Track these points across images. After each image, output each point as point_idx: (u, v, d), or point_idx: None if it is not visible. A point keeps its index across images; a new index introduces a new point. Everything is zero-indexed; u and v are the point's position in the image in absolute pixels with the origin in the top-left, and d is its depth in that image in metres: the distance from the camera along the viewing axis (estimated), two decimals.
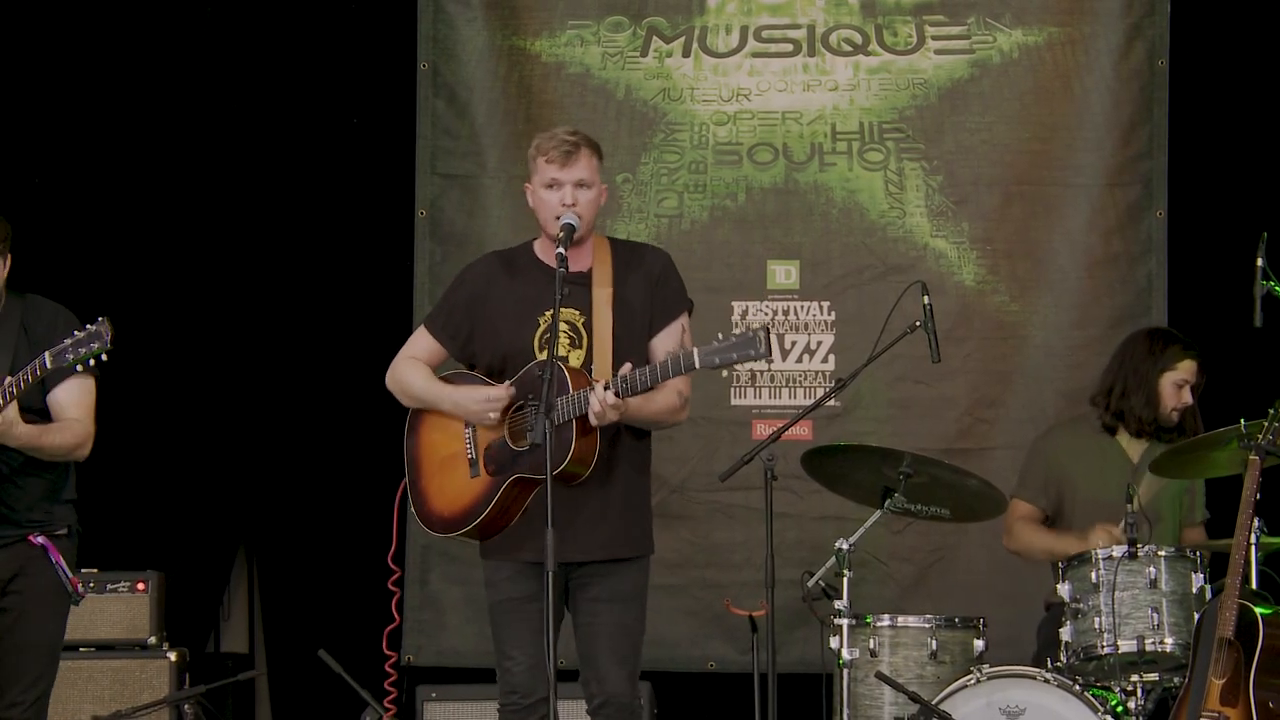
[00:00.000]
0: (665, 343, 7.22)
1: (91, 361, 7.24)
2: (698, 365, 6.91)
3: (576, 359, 7.17)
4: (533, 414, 6.97)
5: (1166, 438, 8.68)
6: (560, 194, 7.17)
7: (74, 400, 7.58)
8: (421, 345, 7.46)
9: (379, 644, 9.81)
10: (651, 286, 7.28)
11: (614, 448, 7.18)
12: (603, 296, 7.21)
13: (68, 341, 7.21)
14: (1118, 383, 8.76)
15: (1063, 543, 8.61)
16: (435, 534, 7.44)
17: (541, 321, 7.19)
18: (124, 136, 10.01)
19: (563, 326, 7.18)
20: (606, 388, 6.93)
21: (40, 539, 7.55)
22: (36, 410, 7.48)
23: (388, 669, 8.61)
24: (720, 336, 6.88)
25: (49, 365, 7.22)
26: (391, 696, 8.47)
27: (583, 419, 6.99)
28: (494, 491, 7.16)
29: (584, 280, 7.22)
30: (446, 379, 7.36)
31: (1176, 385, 8.66)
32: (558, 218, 7.13)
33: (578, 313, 7.20)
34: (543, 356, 7.05)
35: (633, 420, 7.09)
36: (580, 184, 7.18)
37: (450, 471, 7.32)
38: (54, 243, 9.79)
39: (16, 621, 7.55)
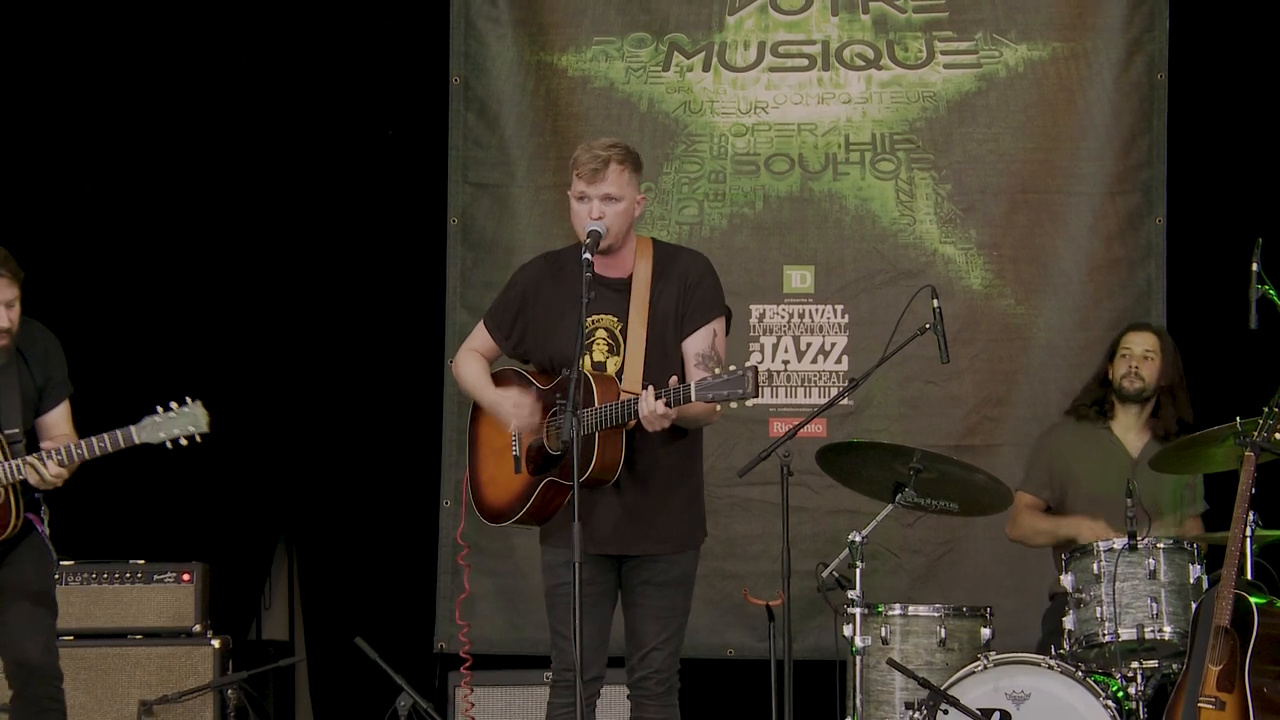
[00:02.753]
0: (696, 344, 7.18)
1: (184, 441, 7.39)
2: (693, 398, 6.89)
3: (614, 365, 7.14)
4: (568, 421, 6.86)
5: (1160, 431, 8.72)
6: (588, 207, 7.14)
7: (65, 417, 7.68)
8: (479, 339, 7.46)
9: (413, 631, 9.86)
10: (685, 291, 7.21)
11: (658, 449, 7.13)
12: (639, 304, 7.17)
13: (157, 419, 7.35)
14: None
15: (1062, 526, 8.64)
16: (488, 522, 7.42)
17: (588, 327, 7.14)
18: (181, 151, 10.03)
19: (601, 333, 7.18)
20: (659, 396, 6.88)
21: (33, 518, 7.58)
22: (26, 432, 7.55)
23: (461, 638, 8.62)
24: (715, 373, 6.84)
25: (136, 441, 7.38)
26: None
27: (614, 428, 6.99)
28: (531, 490, 7.17)
29: (623, 287, 7.19)
30: (497, 375, 7.35)
31: (1124, 355, 8.79)
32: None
33: (615, 319, 7.18)
34: (583, 361, 7.04)
35: (683, 424, 7.08)
36: (607, 198, 7.11)
37: (500, 464, 7.31)
38: (114, 248, 9.82)
39: (20, 576, 7.56)
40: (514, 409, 7.15)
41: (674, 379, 6.98)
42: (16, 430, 7.47)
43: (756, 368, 6.85)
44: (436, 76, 10.11)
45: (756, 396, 6.84)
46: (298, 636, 10.32)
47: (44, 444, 7.48)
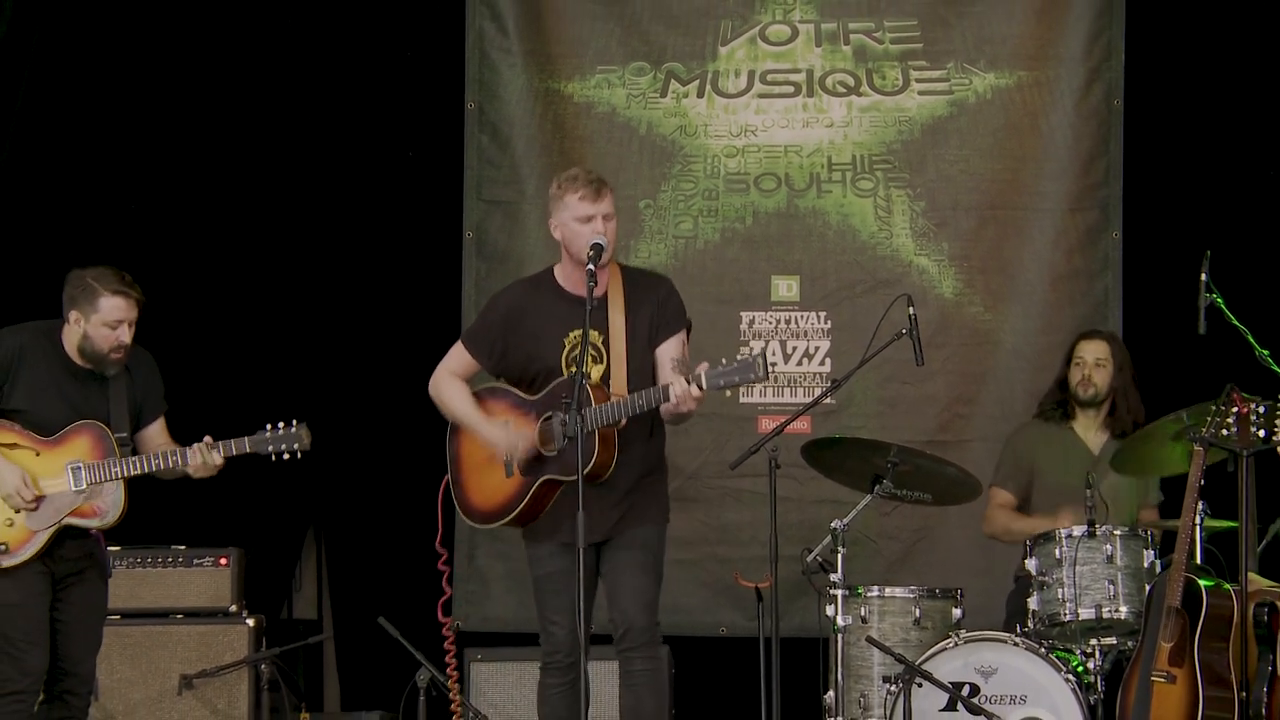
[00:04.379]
0: (669, 351, 7.26)
1: (286, 456, 7.57)
2: (705, 387, 6.96)
3: (598, 373, 7.23)
4: (559, 424, 7.01)
5: (1117, 429, 8.72)
6: (593, 225, 7.19)
7: (162, 429, 7.73)
8: (459, 360, 7.49)
9: (430, 611, 9.84)
10: (658, 307, 7.31)
11: (636, 445, 7.23)
12: (618, 319, 7.25)
13: (267, 435, 7.54)
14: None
15: (1032, 524, 8.62)
16: (475, 524, 7.50)
17: (566, 342, 7.25)
18: (228, 175, 10.05)
19: (612, 344, 7.26)
20: (689, 381, 6.96)
21: (96, 533, 7.61)
22: (128, 440, 7.61)
23: (445, 633, 8.58)
24: (724, 361, 6.95)
25: (248, 449, 7.54)
26: (451, 665, 8.45)
27: (606, 429, 7.07)
28: (526, 490, 7.23)
29: (602, 304, 7.25)
30: (479, 395, 7.40)
31: (1077, 364, 8.79)
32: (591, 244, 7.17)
33: (597, 333, 7.24)
34: (570, 371, 7.12)
35: (668, 418, 7.20)
36: (606, 216, 7.22)
37: (488, 472, 7.37)
38: (169, 264, 9.82)
39: (87, 596, 7.60)
40: (511, 449, 7.24)
41: (701, 365, 7.03)
42: (125, 434, 7.53)
43: (765, 352, 6.92)
44: (453, 102, 10.11)
45: (768, 379, 6.93)
46: (325, 616, 10.31)
47: (205, 440, 7.56)
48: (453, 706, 8.69)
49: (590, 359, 7.20)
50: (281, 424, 7.55)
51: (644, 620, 7.27)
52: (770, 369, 6.92)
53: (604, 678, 7.93)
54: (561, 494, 7.19)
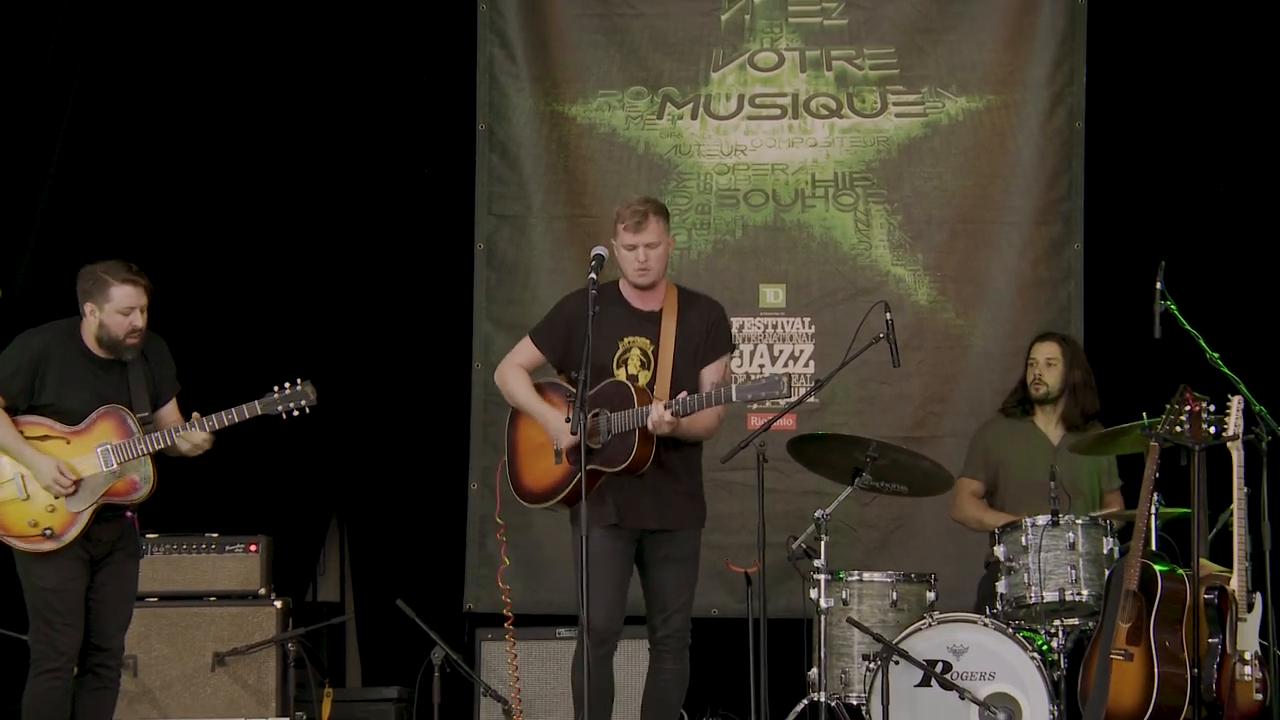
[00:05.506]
0: (711, 374, 7.40)
1: (295, 413, 7.55)
2: (734, 399, 7.20)
3: (645, 378, 7.35)
4: (604, 421, 7.22)
5: (1070, 422, 8.75)
6: (635, 254, 7.36)
7: (174, 408, 7.72)
8: (525, 354, 7.60)
9: (445, 594, 9.86)
10: (707, 330, 7.44)
11: (678, 449, 7.37)
12: (669, 332, 7.37)
13: (275, 396, 7.51)
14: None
15: (992, 516, 8.65)
16: (526, 504, 7.58)
17: (620, 345, 7.39)
18: (263, 188, 10.06)
19: (636, 351, 7.38)
20: (667, 407, 7.15)
21: (130, 514, 7.64)
22: (150, 419, 7.62)
23: (504, 599, 8.63)
24: (751, 377, 7.27)
25: (259, 411, 7.52)
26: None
27: (644, 428, 7.20)
28: (572, 477, 7.30)
29: (655, 318, 7.40)
30: (539, 387, 7.50)
31: (1031, 364, 8.82)
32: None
33: (649, 341, 7.38)
34: (619, 373, 7.33)
35: (682, 435, 7.27)
36: (649, 245, 7.34)
37: (540, 458, 7.47)
38: (207, 269, 9.84)
39: (120, 575, 7.62)
40: (560, 434, 7.33)
41: (684, 393, 7.25)
42: (147, 413, 7.56)
43: (790, 375, 7.07)
44: (465, 124, 10.10)
45: (789, 396, 7.04)
46: (347, 598, 10.30)
47: (194, 416, 7.55)
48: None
49: (639, 364, 7.36)
50: (288, 384, 7.54)
51: (684, 631, 7.46)
52: (792, 388, 7.05)
53: (631, 654, 8.00)
54: (604, 481, 7.29)
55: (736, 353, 9.86)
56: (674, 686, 7.47)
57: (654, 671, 7.49)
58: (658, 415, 7.15)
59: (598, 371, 7.27)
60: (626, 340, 7.39)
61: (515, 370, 7.56)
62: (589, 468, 7.11)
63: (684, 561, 7.46)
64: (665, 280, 7.50)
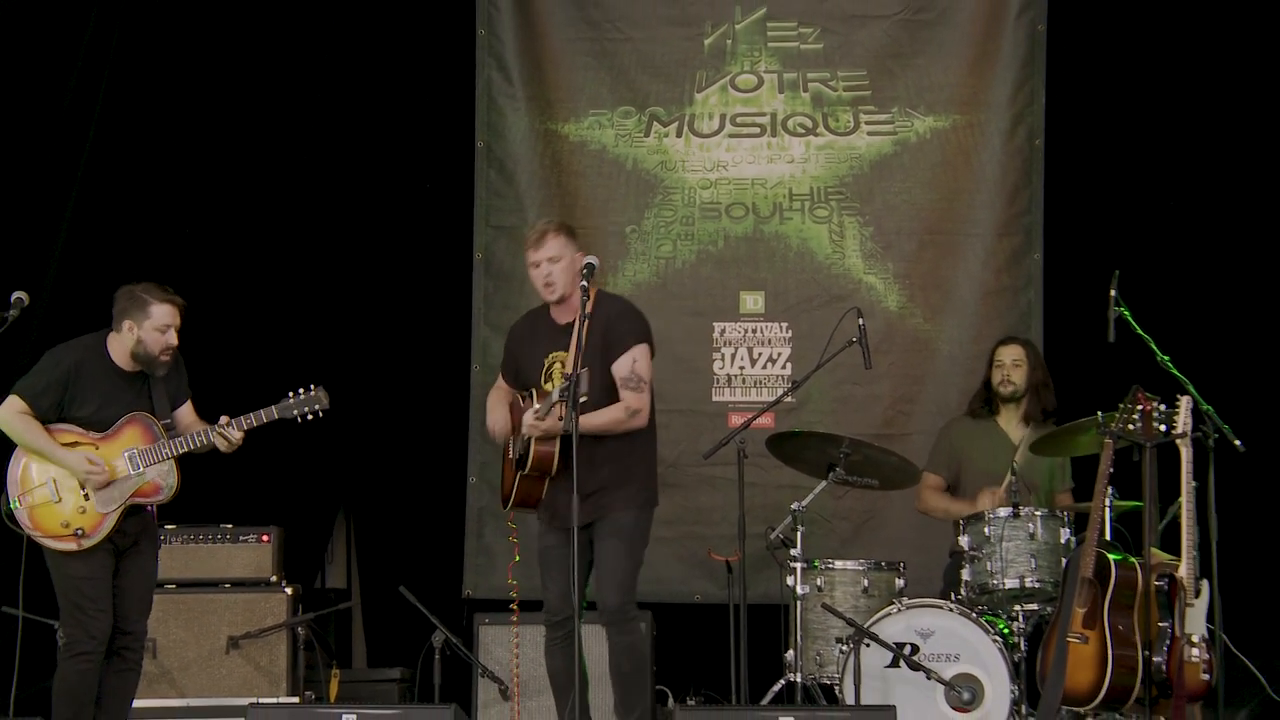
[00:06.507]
0: (619, 369, 7.37)
1: (310, 416, 7.57)
2: (275, 416, 7.48)
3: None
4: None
5: (1032, 420, 8.75)
6: (540, 271, 7.48)
7: (190, 410, 7.75)
8: (498, 382, 7.78)
9: (445, 582, 9.86)
10: (604, 330, 7.39)
11: (594, 447, 7.26)
12: (574, 341, 7.27)
13: (290, 401, 7.55)
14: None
15: (957, 507, 8.66)
16: (504, 509, 7.68)
17: (545, 362, 7.47)
18: (278, 201, 10.08)
19: (558, 365, 7.42)
20: (535, 413, 7.26)
21: (151, 509, 7.67)
22: (171, 425, 7.65)
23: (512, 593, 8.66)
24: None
25: (276, 416, 7.55)
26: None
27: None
28: (514, 482, 7.43)
29: (570, 329, 7.34)
30: (513, 405, 7.58)
31: (998, 365, 8.81)
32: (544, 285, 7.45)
33: (564, 352, 7.36)
34: (546, 387, 7.37)
35: (584, 430, 7.02)
36: (551, 259, 7.43)
37: (508, 463, 7.56)
38: (224, 279, 9.84)
39: (142, 564, 7.65)
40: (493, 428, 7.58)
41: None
42: (168, 420, 7.60)
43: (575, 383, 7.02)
44: (464, 141, 10.11)
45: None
46: (353, 585, 10.30)
47: (222, 419, 7.57)
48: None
49: (560, 376, 7.32)
50: (302, 390, 7.57)
51: (615, 601, 7.35)
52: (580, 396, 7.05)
53: (595, 636, 7.99)
54: (549, 486, 7.34)
55: (719, 354, 9.91)
56: (622, 658, 7.40)
57: (609, 645, 7.46)
58: (529, 421, 7.25)
59: (534, 388, 7.44)
60: (550, 356, 7.44)
61: (492, 395, 7.72)
62: (519, 474, 7.37)
63: (612, 539, 7.36)
64: (596, 289, 7.42)
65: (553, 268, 7.41)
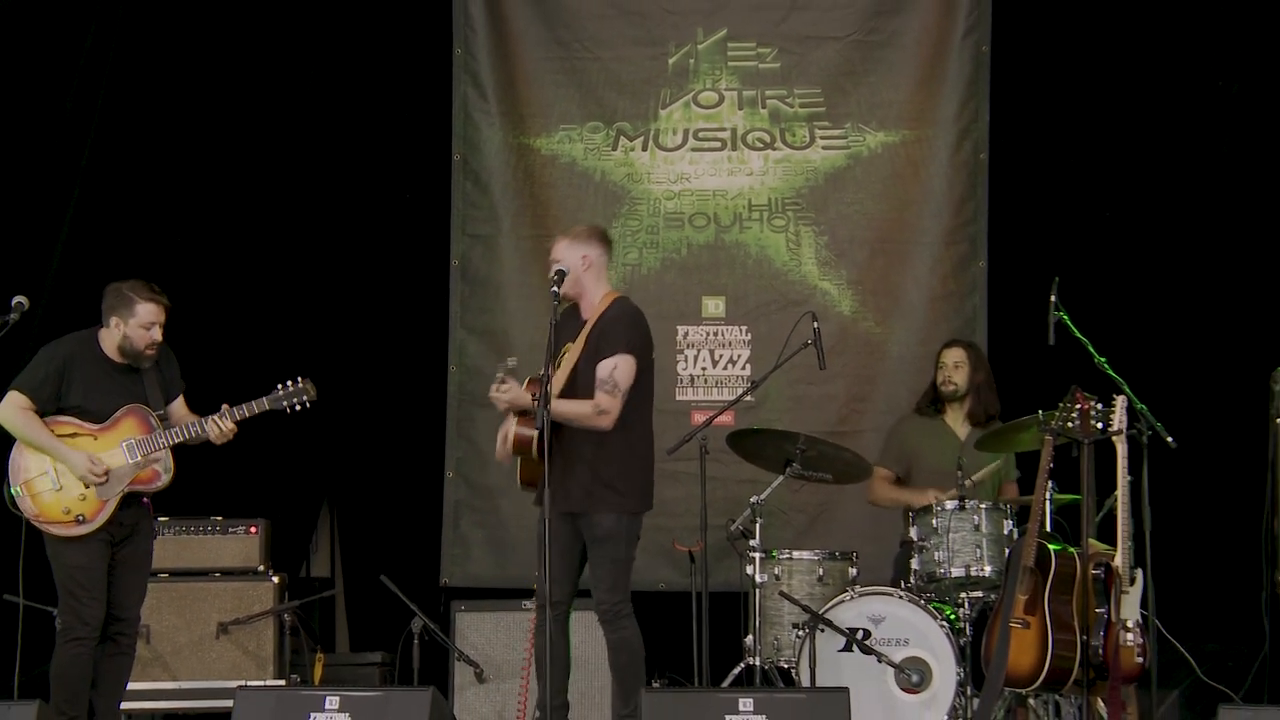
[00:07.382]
0: (599, 371, 7.38)
1: (298, 406, 7.62)
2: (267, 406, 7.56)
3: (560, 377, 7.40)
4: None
5: (975, 419, 8.78)
6: (550, 272, 7.50)
7: (182, 404, 7.77)
8: None
9: (424, 571, 9.84)
10: (600, 334, 7.45)
11: (570, 436, 7.30)
12: (582, 337, 7.43)
13: (280, 393, 7.60)
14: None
15: (905, 495, 8.68)
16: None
17: (564, 350, 7.48)
18: (266, 209, 10.04)
19: (567, 355, 7.44)
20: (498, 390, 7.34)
21: (146, 500, 7.68)
22: (165, 416, 7.65)
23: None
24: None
25: (267, 406, 7.58)
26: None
27: (522, 414, 7.32)
28: (515, 465, 7.47)
29: (583, 326, 7.46)
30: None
31: (941, 367, 8.86)
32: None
33: (570, 345, 7.45)
34: (554, 371, 7.33)
35: (553, 415, 7.07)
36: (555, 262, 7.48)
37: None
38: (213, 279, 9.82)
39: (137, 554, 7.65)
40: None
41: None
42: (162, 411, 7.60)
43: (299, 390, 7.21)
44: (442, 154, 10.10)
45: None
46: (337, 574, 10.28)
47: (223, 407, 7.57)
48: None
49: (562, 363, 7.41)
50: (290, 382, 7.61)
51: (607, 601, 7.40)
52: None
53: (583, 622, 8.01)
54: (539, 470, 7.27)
55: (683, 356, 9.92)
56: (617, 652, 7.44)
57: (606, 639, 7.51)
58: (490, 391, 7.31)
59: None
60: (567, 346, 7.46)
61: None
62: (522, 456, 7.41)
63: (596, 543, 7.40)
64: (614, 293, 7.55)
65: (553, 267, 7.49)
